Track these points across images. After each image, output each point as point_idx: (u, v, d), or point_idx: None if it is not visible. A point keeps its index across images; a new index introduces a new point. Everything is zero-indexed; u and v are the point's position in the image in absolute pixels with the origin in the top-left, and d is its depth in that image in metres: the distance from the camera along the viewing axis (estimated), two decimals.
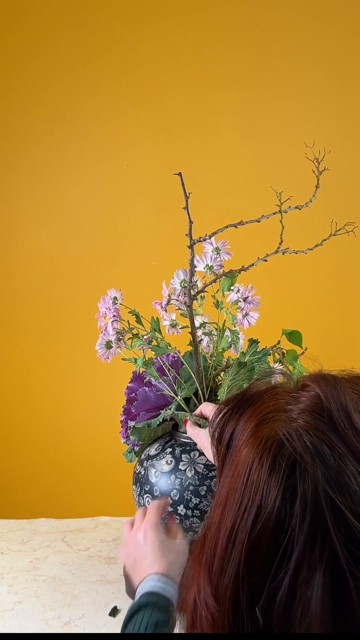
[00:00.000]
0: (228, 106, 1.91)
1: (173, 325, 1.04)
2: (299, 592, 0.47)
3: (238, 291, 1.01)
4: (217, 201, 1.81)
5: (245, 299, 1.00)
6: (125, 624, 0.75)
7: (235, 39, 1.88)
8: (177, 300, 0.99)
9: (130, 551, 0.82)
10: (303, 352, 1.06)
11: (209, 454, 0.88)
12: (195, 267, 0.97)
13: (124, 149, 1.94)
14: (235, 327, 1.03)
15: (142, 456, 1.02)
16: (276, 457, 0.49)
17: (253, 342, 1.01)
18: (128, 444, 1.05)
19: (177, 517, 0.95)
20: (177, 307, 1.02)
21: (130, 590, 0.95)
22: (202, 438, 0.90)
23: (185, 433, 1.00)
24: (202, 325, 1.04)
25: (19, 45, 1.94)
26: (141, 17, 1.89)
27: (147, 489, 0.98)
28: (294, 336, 1.05)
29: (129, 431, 1.01)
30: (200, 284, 1.00)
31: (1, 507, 2.07)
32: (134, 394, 1.03)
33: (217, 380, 1.05)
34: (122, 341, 0.98)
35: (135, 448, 1.04)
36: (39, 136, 1.97)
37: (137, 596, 0.77)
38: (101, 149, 1.96)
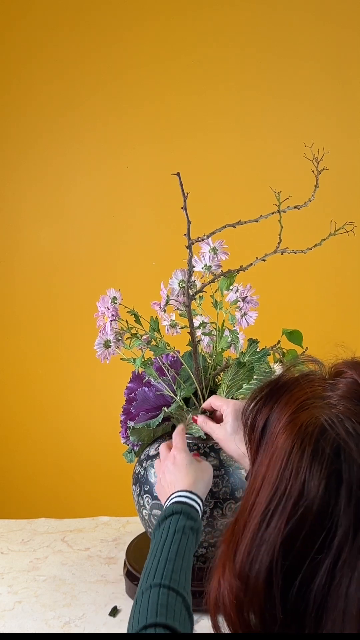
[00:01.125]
0: (227, 106, 1.91)
1: (172, 326, 1.04)
2: (338, 575, 0.48)
3: (237, 291, 1.01)
4: (217, 201, 1.81)
5: (244, 299, 1.00)
6: (154, 533, 0.78)
7: (235, 39, 1.88)
8: (175, 301, 0.99)
9: (160, 477, 0.87)
10: (303, 352, 1.06)
11: (230, 448, 0.88)
12: (194, 267, 0.97)
13: (123, 149, 1.94)
14: (234, 326, 1.03)
15: (142, 456, 1.02)
16: (319, 442, 0.50)
17: (252, 342, 1.00)
18: (128, 444, 1.05)
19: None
20: (175, 308, 1.02)
21: (131, 591, 0.95)
22: (219, 433, 0.90)
23: (185, 433, 1.00)
24: (202, 325, 1.04)
25: (18, 45, 1.94)
26: (141, 17, 1.89)
27: (146, 489, 0.98)
28: (295, 336, 1.05)
29: (128, 431, 1.01)
30: (198, 284, 1.00)
31: (1, 507, 2.07)
32: (133, 394, 1.03)
33: (216, 380, 1.04)
34: (120, 341, 0.98)
35: (135, 448, 1.04)
36: (38, 136, 1.97)
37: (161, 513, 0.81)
38: (101, 149, 1.96)
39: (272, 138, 1.90)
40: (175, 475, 0.85)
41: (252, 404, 0.58)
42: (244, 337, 1.04)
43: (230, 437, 0.87)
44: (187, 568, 0.73)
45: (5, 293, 2.04)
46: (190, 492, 0.82)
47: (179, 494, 0.82)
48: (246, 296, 1.01)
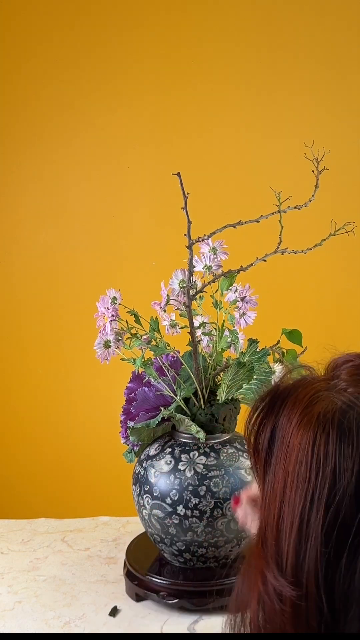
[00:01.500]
0: (228, 106, 1.91)
1: (172, 326, 1.04)
2: None
3: (236, 291, 1.01)
4: (217, 201, 1.81)
5: (242, 299, 1.00)
6: None
7: (235, 40, 1.88)
8: (176, 301, 0.99)
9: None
10: (303, 352, 1.06)
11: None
12: (194, 267, 0.97)
13: (123, 149, 1.94)
14: (234, 326, 1.03)
15: (142, 456, 1.02)
16: (342, 424, 0.50)
17: (252, 342, 1.01)
18: (128, 444, 1.05)
19: (177, 517, 0.94)
20: (176, 308, 1.02)
21: (131, 591, 0.95)
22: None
23: (185, 433, 1.00)
24: (202, 325, 1.04)
25: (17, 44, 1.94)
26: (141, 18, 1.89)
27: (146, 489, 0.98)
28: (294, 335, 1.05)
29: (128, 431, 1.01)
30: (199, 284, 1.00)
31: (1, 507, 2.07)
32: (133, 394, 1.03)
33: (216, 380, 1.05)
34: (120, 341, 0.98)
35: (135, 448, 1.04)
36: (38, 136, 1.97)
37: None
38: (101, 150, 1.96)
39: (272, 138, 1.90)
40: None
41: (254, 415, 0.57)
42: (243, 337, 1.04)
43: (245, 519, 0.79)
44: None
45: (5, 293, 2.04)
46: None
47: None
48: (245, 296, 1.01)
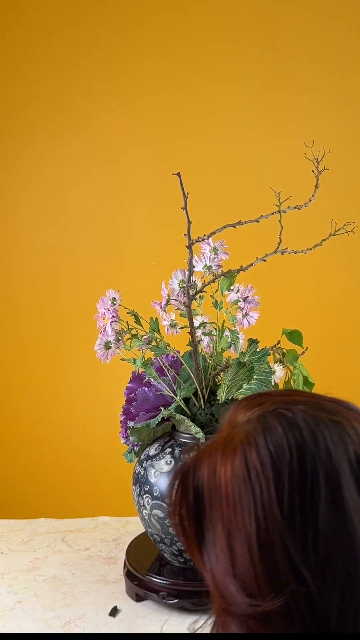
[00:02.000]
0: (228, 106, 1.91)
1: (172, 326, 1.04)
2: (336, 500, 0.49)
3: (238, 291, 1.01)
4: (217, 201, 1.81)
5: (245, 299, 1.00)
6: None
7: (235, 40, 1.88)
8: (176, 301, 0.99)
9: None
10: (303, 352, 1.06)
11: None
12: (194, 267, 0.97)
13: (123, 149, 1.94)
14: (235, 327, 1.03)
15: (142, 456, 1.02)
16: (266, 427, 0.52)
17: (253, 342, 1.01)
18: (128, 444, 1.05)
19: None
20: (176, 307, 1.02)
21: (131, 591, 0.95)
22: None
23: (185, 433, 1.00)
24: (202, 325, 1.04)
25: (17, 45, 1.94)
26: (141, 19, 1.89)
27: (146, 489, 0.98)
28: (295, 336, 1.05)
29: (128, 431, 1.01)
30: (199, 284, 1.00)
31: (1, 507, 2.07)
32: (133, 394, 1.03)
33: (216, 380, 1.05)
34: (121, 341, 0.99)
35: (135, 448, 1.04)
36: (38, 136, 1.97)
37: None
38: (101, 149, 1.96)
39: (272, 138, 1.90)
40: None
41: (173, 494, 0.55)
42: (243, 337, 1.04)
43: None
44: None
45: (5, 293, 2.04)
46: None
47: None
48: (247, 296, 1.01)
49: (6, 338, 2.06)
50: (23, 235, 2.02)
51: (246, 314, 1.01)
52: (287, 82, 1.89)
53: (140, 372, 1.05)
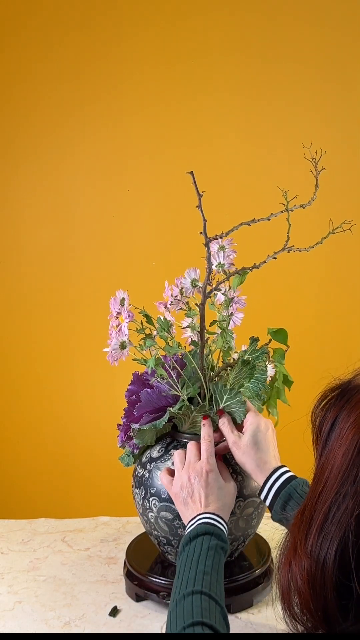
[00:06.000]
0: (228, 107, 1.91)
1: (190, 327, 1.03)
2: None
3: (225, 292, 1.01)
4: (217, 201, 1.80)
5: (231, 299, 1.00)
6: (183, 547, 0.81)
7: (234, 43, 1.89)
8: (179, 300, 0.99)
9: (184, 484, 0.89)
10: (286, 350, 1.06)
11: (242, 457, 0.90)
12: (212, 264, 0.96)
13: (126, 149, 1.95)
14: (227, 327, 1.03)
15: (144, 459, 1.01)
16: None
17: (253, 340, 1.00)
18: (128, 447, 1.04)
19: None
20: (179, 308, 1.01)
21: (131, 591, 0.94)
22: (236, 439, 0.92)
23: (187, 433, 1.00)
24: (211, 323, 1.04)
25: (19, 51, 1.94)
26: (142, 27, 1.89)
27: (152, 491, 0.97)
28: (279, 334, 1.05)
29: (130, 433, 1.01)
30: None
31: (1, 507, 2.07)
32: (134, 396, 1.02)
33: (216, 379, 1.04)
34: (130, 342, 0.98)
35: (135, 451, 1.03)
36: (41, 137, 1.97)
37: (189, 529, 0.84)
38: (103, 150, 1.96)
39: (272, 139, 1.91)
40: (204, 494, 0.87)
41: (323, 402, 0.63)
42: (235, 337, 1.04)
43: (245, 448, 0.90)
44: (222, 582, 0.77)
45: (7, 293, 2.04)
46: (219, 516, 0.85)
47: (209, 515, 0.84)
48: (233, 297, 1.00)
49: (10, 338, 2.06)
50: (25, 235, 2.02)
51: (231, 314, 1.01)
52: (287, 83, 1.90)
53: (140, 374, 1.05)
